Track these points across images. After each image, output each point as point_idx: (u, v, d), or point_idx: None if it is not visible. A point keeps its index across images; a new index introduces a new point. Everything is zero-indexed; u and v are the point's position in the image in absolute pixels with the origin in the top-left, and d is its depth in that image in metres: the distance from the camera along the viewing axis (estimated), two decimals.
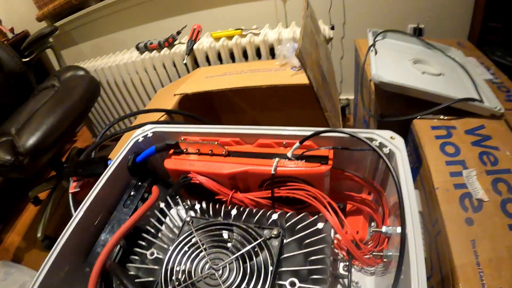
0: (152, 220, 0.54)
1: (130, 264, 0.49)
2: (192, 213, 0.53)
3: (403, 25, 1.36)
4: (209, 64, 1.34)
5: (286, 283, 0.40)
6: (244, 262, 0.43)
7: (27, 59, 1.53)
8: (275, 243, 0.44)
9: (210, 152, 0.56)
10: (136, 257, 0.50)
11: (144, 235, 0.51)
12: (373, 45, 0.92)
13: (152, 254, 0.48)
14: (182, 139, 0.59)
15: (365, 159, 0.53)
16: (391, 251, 0.44)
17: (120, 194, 0.61)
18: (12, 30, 1.80)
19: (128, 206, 0.58)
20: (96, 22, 1.72)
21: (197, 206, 0.53)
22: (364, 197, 0.55)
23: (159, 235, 0.53)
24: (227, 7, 1.49)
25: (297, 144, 0.50)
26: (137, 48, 1.48)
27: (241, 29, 1.29)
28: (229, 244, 0.46)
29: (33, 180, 1.80)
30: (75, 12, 1.69)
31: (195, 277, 0.43)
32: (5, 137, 1.24)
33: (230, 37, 1.30)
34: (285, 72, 1.02)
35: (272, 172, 0.49)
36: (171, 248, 0.47)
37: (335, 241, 0.54)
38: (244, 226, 0.46)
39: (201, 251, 0.45)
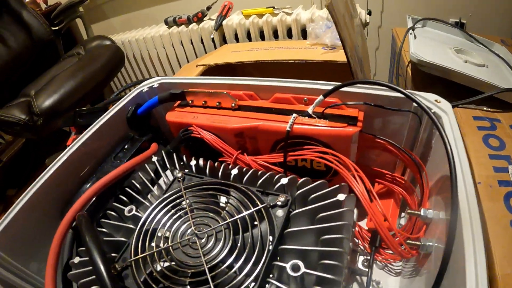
0: (141, 176, 0.46)
1: (104, 220, 0.40)
2: (186, 172, 0.44)
3: (444, 18, 1.25)
4: (237, 42, 1.27)
5: (287, 265, 0.30)
6: (237, 232, 0.34)
7: (57, 28, 1.53)
8: (280, 212, 0.34)
9: (217, 104, 0.47)
10: (113, 213, 0.41)
11: (127, 189, 0.43)
12: (412, 28, 0.83)
13: (130, 210, 0.39)
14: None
15: (401, 126, 0.42)
16: (432, 240, 0.33)
17: (114, 147, 0.54)
18: (45, 1, 1.82)
19: (119, 159, 0.51)
20: None
21: (193, 163, 0.44)
22: (397, 176, 0.44)
23: (147, 195, 0.44)
24: None
25: (320, 97, 0.40)
26: (166, 22, 1.43)
27: (273, 8, 1.21)
28: (223, 211, 0.37)
29: (51, 148, 1.80)
30: None
31: (172, 242, 0.34)
32: (24, 98, 1.24)
33: (261, 15, 1.22)
34: (315, 51, 0.92)
35: (287, 128, 0.40)
36: (152, 207, 0.38)
37: (356, 229, 0.44)
38: (243, 188, 0.37)
39: (185, 213, 0.36)
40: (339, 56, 0.82)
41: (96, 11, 1.82)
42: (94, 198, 0.43)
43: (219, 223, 0.34)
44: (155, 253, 0.34)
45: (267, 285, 0.30)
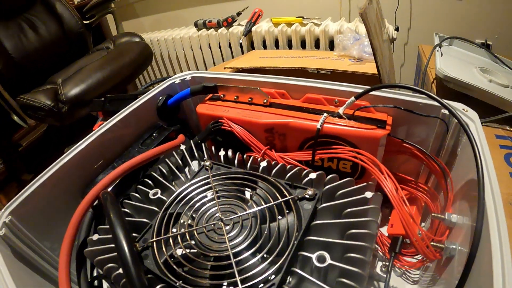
0: (169, 162, 0.46)
1: (127, 201, 0.41)
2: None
3: (470, 39, 1.25)
4: (265, 49, 1.28)
5: (313, 256, 0.30)
6: (264, 221, 0.34)
7: (88, 22, 1.58)
8: (307, 205, 0.34)
9: (249, 100, 0.48)
10: (137, 195, 0.42)
11: (153, 174, 0.44)
12: (439, 45, 0.84)
13: (155, 193, 0.40)
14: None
15: (428, 132, 0.42)
16: (455, 243, 0.33)
17: (142, 134, 0.55)
18: None
19: (146, 145, 0.52)
20: None
21: (221, 153, 0.44)
22: (421, 183, 0.44)
23: (172, 182, 0.45)
24: None
25: (352, 98, 0.40)
26: (195, 24, 1.46)
27: (302, 18, 1.22)
28: (250, 200, 0.37)
29: (70, 138, 1.84)
30: None
31: (196, 226, 0.35)
32: (51, 85, 1.27)
33: (290, 24, 1.24)
34: (342, 62, 0.93)
35: (318, 127, 0.40)
36: (178, 191, 0.39)
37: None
38: (272, 179, 0.37)
39: (212, 199, 0.37)
40: (366, 68, 0.83)
41: (127, 9, 1.87)
42: (118, 180, 0.43)
43: (246, 211, 0.35)
44: (178, 235, 0.34)
45: (290, 275, 0.30)
